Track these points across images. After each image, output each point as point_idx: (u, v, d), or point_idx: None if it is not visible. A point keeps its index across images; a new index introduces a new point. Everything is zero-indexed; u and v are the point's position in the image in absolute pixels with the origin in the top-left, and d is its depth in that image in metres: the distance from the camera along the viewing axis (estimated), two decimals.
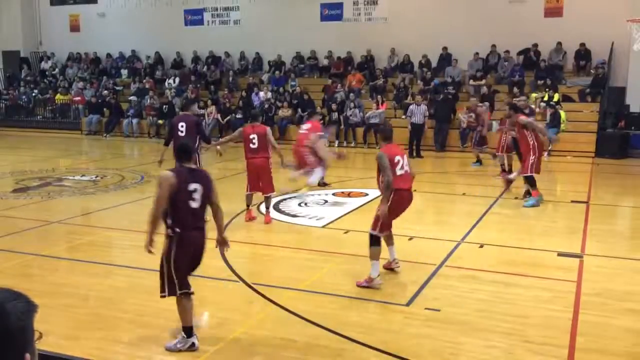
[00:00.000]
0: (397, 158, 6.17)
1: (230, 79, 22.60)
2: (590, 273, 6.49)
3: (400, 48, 21.01)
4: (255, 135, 8.57)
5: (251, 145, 8.58)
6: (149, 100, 21.81)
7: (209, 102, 20.77)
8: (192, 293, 4.76)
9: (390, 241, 6.44)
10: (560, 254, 7.10)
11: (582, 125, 16.75)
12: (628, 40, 15.29)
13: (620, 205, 10.68)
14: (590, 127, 16.74)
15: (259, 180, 8.64)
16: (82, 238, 8.17)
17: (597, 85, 17.76)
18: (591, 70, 18.47)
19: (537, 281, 6.27)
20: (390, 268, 6.51)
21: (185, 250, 4.71)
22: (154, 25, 24.59)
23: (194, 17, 24.43)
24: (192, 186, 4.67)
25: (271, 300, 5.69)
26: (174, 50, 24.47)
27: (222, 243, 5.06)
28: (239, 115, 20.12)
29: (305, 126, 10.59)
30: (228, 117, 20.39)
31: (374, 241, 6.13)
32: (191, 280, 6.35)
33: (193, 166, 4.91)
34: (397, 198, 6.10)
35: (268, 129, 8.87)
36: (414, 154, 16.05)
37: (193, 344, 4.70)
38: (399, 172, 6.11)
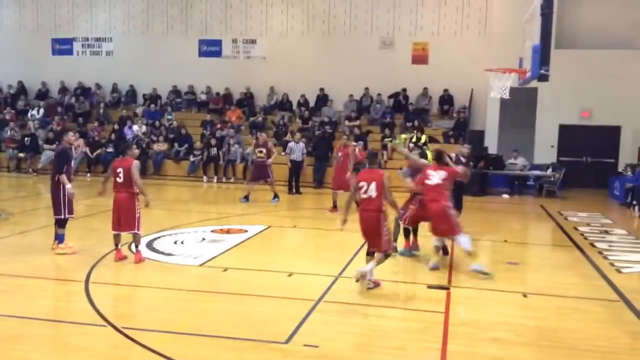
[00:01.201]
0: (361, 184, 7.19)
1: (101, 111, 21.62)
2: (457, 304, 6.85)
3: (279, 87, 21.41)
4: (121, 169, 8.20)
5: (117, 179, 8.20)
6: (9, 132, 20.21)
7: (77, 134, 19.63)
8: None
9: (367, 257, 7.36)
10: (429, 286, 7.43)
11: None
12: (485, 88, 16.74)
13: (481, 240, 11.45)
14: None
15: (121, 217, 8.19)
16: None
17: (459, 128, 19.22)
18: (454, 114, 20.00)
19: (409, 313, 6.50)
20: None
21: None
22: (17, 53, 23.13)
23: (62, 47, 23.25)
24: None
25: (141, 345, 5.36)
26: (40, 80, 23.03)
27: None
28: (109, 149, 19.22)
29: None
30: (98, 151, 19.39)
31: None
32: (53, 325, 5.86)
33: None
34: (358, 217, 7.25)
35: (134, 162, 8.27)
36: (294, 190, 16.23)
37: None
38: (361, 195, 7.17)
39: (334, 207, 12.97)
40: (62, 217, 8.58)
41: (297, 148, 16.59)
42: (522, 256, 9.96)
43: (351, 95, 20.68)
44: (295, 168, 16.51)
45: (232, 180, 18.54)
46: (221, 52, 22.10)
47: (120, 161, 8.37)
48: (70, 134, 9.32)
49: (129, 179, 8.15)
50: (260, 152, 14.33)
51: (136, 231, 8.28)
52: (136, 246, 8.37)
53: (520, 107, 17.87)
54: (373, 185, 7.07)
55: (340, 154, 13.34)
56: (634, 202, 14.34)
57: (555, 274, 8.57)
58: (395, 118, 20.03)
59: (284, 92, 21.22)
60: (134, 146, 9.26)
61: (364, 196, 7.14)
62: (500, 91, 13.33)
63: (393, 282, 7.77)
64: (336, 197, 13.10)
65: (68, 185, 8.55)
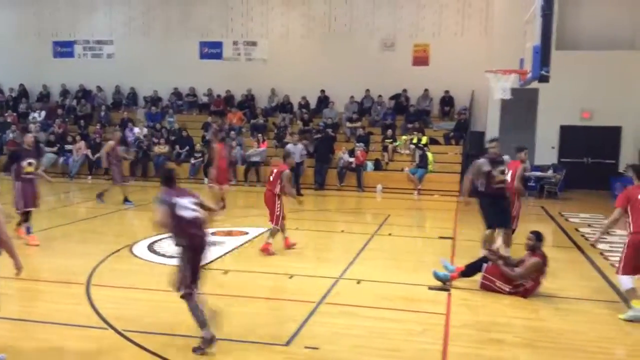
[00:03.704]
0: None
1: (102, 113, 21.66)
2: (457, 306, 6.84)
3: (280, 88, 21.44)
4: (274, 171, 9.26)
5: (270, 178, 9.30)
6: (10, 135, 20.26)
7: (78, 137, 19.72)
8: None
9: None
10: (430, 288, 7.43)
11: (447, 166, 17.95)
12: (486, 89, 16.73)
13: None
14: (455, 167, 17.99)
15: (267, 211, 9.27)
16: None
17: (460, 130, 19.21)
18: (455, 116, 19.98)
19: (409, 315, 6.50)
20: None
21: None
22: (19, 56, 23.14)
23: (63, 50, 23.29)
24: None
25: (143, 347, 5.37)
26: (41, 83, 23.09)
27: None
28: None
29: None
30: (99, 154, 19.40)
31: None
32: (54, 328, 5.86)
33: None
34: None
35: (285, 172, 9.13)
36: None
37: None
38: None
39: (223, 206, 13.04)
40: (16, 209, 9.30)
41: (296, 150, 16.58)
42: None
43: (352, 97, 20.69)
44: (295, 170, 16.47)
45: (233, 182, 18.53)
46: (222, 54, 22.12)
47: (277, 164, 9.60)
48: (27, 134, 10.67)
49: (275, 181, 9.13)
50: (125, 152, 14.33)
51: (274, 225, 9.14)
52: (269, 237, 9.16)
53: (521, 108, 17.85)
54: (510, 173, 9.03)
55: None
56: None
57: (556, 275, 8.54)
58: (396, 119, 20.02)
59: (285, 94, 21.24)
60: (293, 154, 10.37)
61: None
62: (502, 92, 13.32)
63: (394, 283, 7.78)
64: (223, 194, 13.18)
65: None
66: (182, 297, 5.33)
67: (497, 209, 8.65)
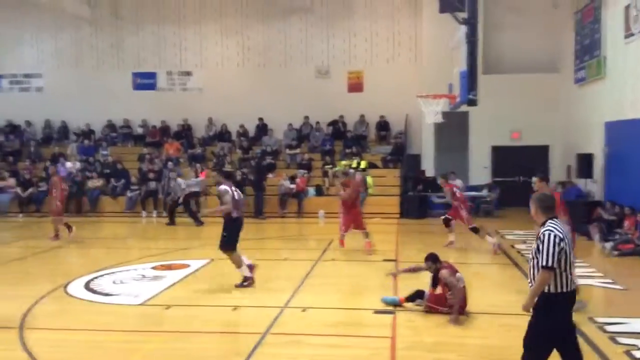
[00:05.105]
0: None
1: (32, 149, 20.87)
2: (403, 328, 6.91)
3: (217, 117, 21.35)
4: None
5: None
6: None
7: (6, 174, 18.89)
8: None
9: None
10: (376, 312, 7.47)
11: (387, 189, 18.26)
12: (419, 113, 17.24)
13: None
14: (394, 190, 18.33)
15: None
16: None
17: (397, 153, 19.65)
18: (391, 140, 20.44)
19: (356, 340, 6.51)
20: None
21: None
22: None
23: None
24: None
25: None
26: None
27: None
28: (42, 188, 18.51)
29: None
30: (30, 190, 18.63)
31: None
32: None
33: None
34: None
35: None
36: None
37: None
38: None
39: (56, 236, 13.29)
40: None
41: (190, 182, 16.62)
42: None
43: (290, 124, 20.82)
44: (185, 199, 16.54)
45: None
46: (156, 85, 21.86)
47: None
48: None
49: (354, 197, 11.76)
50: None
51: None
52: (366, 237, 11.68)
53: (453, 130, 18.46)
54: None
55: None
56: None
57: (496, 292, 8.81)
58: (334, 145, 20.28)
59: (223, 122, 21.16)
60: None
61: None
62: (434, 116, 13.76)
63: (340, 309, 7.78)
64: (58, 225, 13.37)
65: None
66: None
67: None
